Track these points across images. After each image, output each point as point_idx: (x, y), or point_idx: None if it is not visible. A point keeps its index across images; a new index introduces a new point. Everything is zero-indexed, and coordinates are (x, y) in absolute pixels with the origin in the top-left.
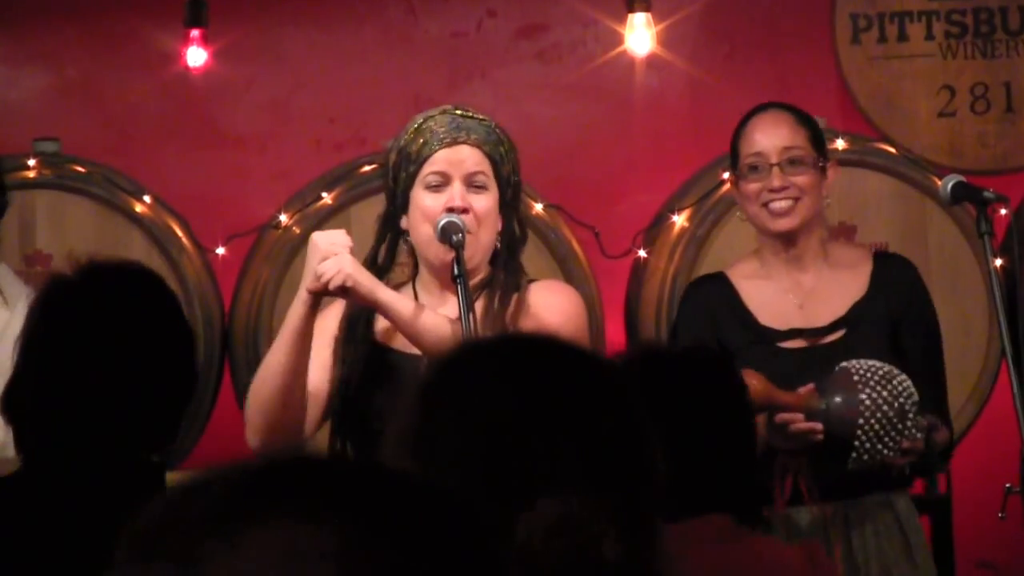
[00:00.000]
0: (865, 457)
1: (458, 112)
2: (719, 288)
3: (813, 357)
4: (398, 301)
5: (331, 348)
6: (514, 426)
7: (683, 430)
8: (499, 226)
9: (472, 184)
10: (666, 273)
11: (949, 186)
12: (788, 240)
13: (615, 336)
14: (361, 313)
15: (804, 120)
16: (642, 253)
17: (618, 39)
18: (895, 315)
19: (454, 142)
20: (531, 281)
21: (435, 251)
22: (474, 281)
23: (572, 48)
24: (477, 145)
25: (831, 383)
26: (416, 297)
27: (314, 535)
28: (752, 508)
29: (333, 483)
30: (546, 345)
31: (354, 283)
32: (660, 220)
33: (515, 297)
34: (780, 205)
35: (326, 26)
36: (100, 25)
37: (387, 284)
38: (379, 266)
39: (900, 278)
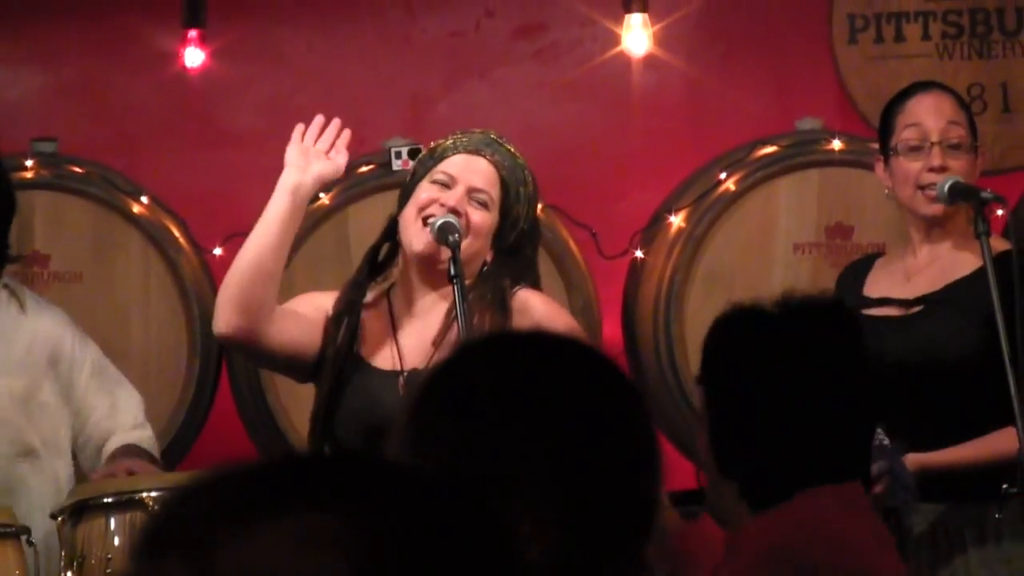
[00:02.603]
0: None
1: (493, 136)
2: (862, 262)
3: (886, 325)
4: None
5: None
6: (487, 420)
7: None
8: (487, 255)
9: (473, 198)
10: (663, 273)
11: (946, 186)
12: (934, 223)
13: (612, 336)
14: (346, 318)
15: (963, 104)
16: (639, 253)
17: (615, 39)
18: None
19: (476, 152)
20: (516, 288)
21: (409, 236)
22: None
23: (570, 48)
24: (496, 164)
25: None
26: (389, 305)
27: (323, 523)
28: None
29: (339, 474)
30: (545, 344)
31: None
32: (657, 220)
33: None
34: (934, 186)
35: (324, 26)
36: (98, 25)
37: (382, 282)
38: (378, 262)
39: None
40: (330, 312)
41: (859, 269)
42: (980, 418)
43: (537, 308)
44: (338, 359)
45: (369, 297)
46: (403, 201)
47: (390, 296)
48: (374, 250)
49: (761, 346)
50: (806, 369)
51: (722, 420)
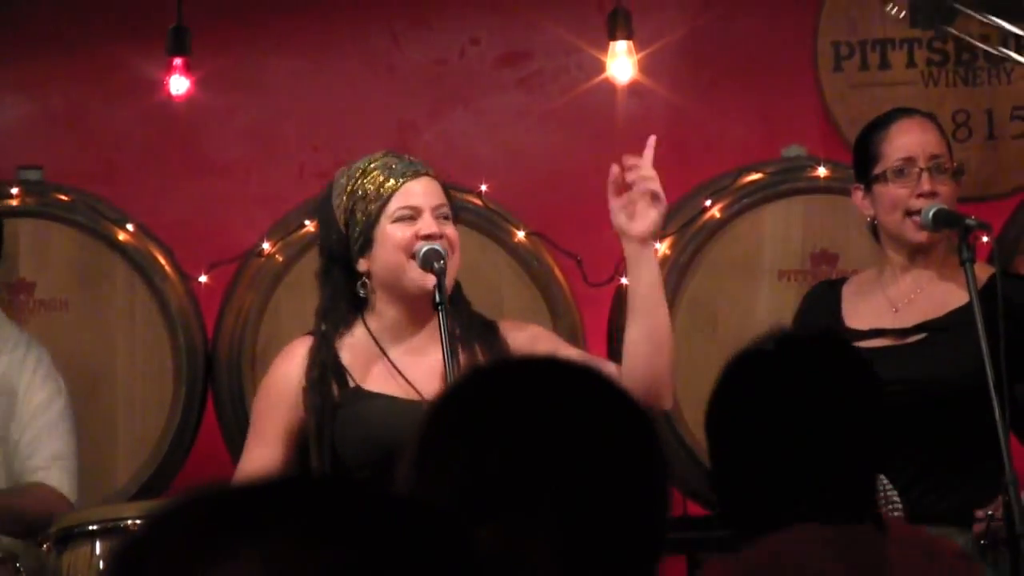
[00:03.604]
0: None
1: (394, 154)
2: (827, 290)
3: (886, 356)
4: None
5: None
6: (495, 447)
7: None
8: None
9: (439, 216)
10: None
11: (931, 213)
12: (919, 250)
13: None
14: (328, 359)
15: (943, 130)
16: (625, 281)
17: (600, 67)
18: (1007, 333)
19: (417, 174)
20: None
21: (412, 279)
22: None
23: (554, 76)
24: (435, 178)
25: None
26: (375, 340)
27: (309, 549)
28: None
29: (323, 500)
30: (554, 370)
31: None
32: None
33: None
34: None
35: (309, 54)
36: (83, 53)
37: (344, 333)
38: (332, 318)
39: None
40: (299, 385)
41: (827, 298)
42: (986, 437)
43: (524, 326)
44: (328, 403)
45: (349, 342)
46: (350, 254)
47: (370, 329)
48: (325, 308)
49: (754, 384)
50: (799, 408)
51: (716, 455)
